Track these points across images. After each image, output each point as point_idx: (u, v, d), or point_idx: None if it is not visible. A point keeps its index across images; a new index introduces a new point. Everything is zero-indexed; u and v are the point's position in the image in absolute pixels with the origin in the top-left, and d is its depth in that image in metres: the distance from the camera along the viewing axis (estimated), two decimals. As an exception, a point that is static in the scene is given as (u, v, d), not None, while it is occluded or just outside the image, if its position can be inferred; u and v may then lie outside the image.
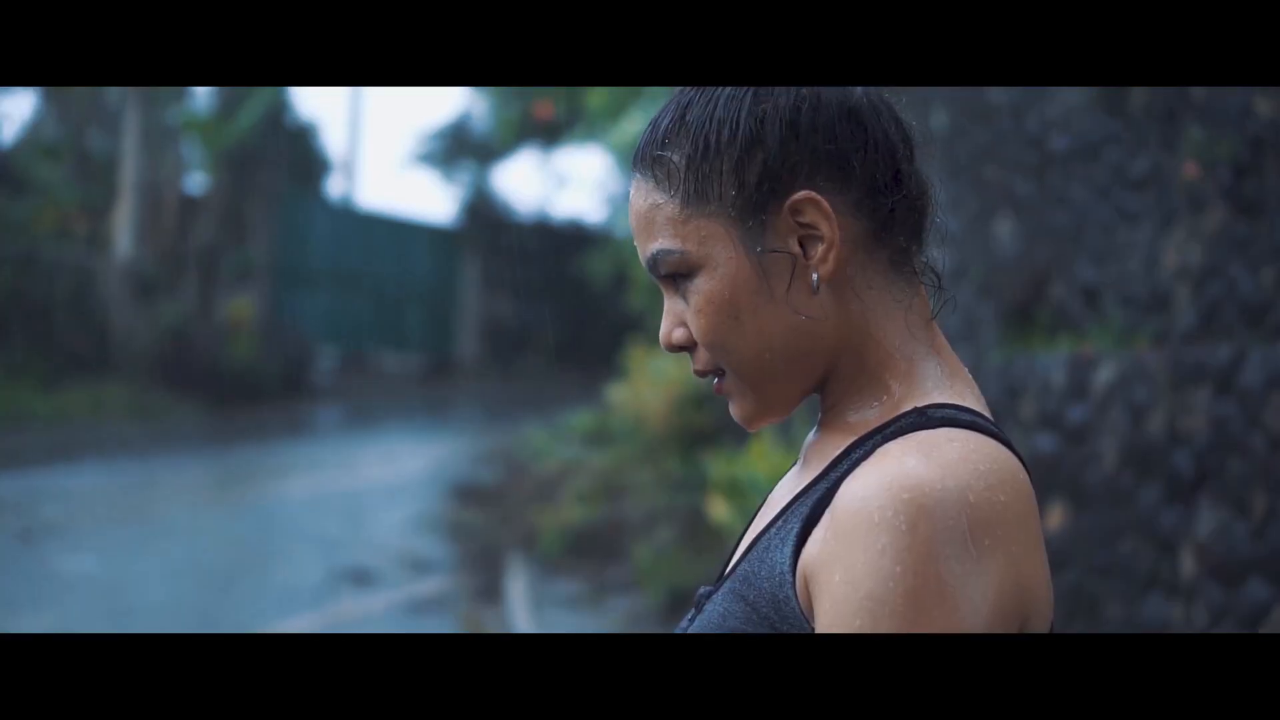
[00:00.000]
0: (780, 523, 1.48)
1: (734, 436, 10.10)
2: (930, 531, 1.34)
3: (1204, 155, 5.08)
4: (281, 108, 22.10)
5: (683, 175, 1.49)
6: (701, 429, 11.23)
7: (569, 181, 34.83)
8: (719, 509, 8.47)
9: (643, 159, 1.53)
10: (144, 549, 9.91)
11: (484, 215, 27.41)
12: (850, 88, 1.50)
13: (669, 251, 1.50)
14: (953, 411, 1.46)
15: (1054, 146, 6.42)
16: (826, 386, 1.54)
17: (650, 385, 11.90)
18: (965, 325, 6.97)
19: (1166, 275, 5.39)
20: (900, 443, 1.42)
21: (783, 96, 1.48)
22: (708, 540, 8.87)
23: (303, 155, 23.89)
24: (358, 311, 24.59)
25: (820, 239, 1.47)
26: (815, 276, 1.48)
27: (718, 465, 8.92)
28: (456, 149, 27.11)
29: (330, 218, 24.62)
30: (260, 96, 20.17)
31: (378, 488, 13.40)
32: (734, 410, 1.56)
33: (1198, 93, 5.19)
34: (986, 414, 1.51)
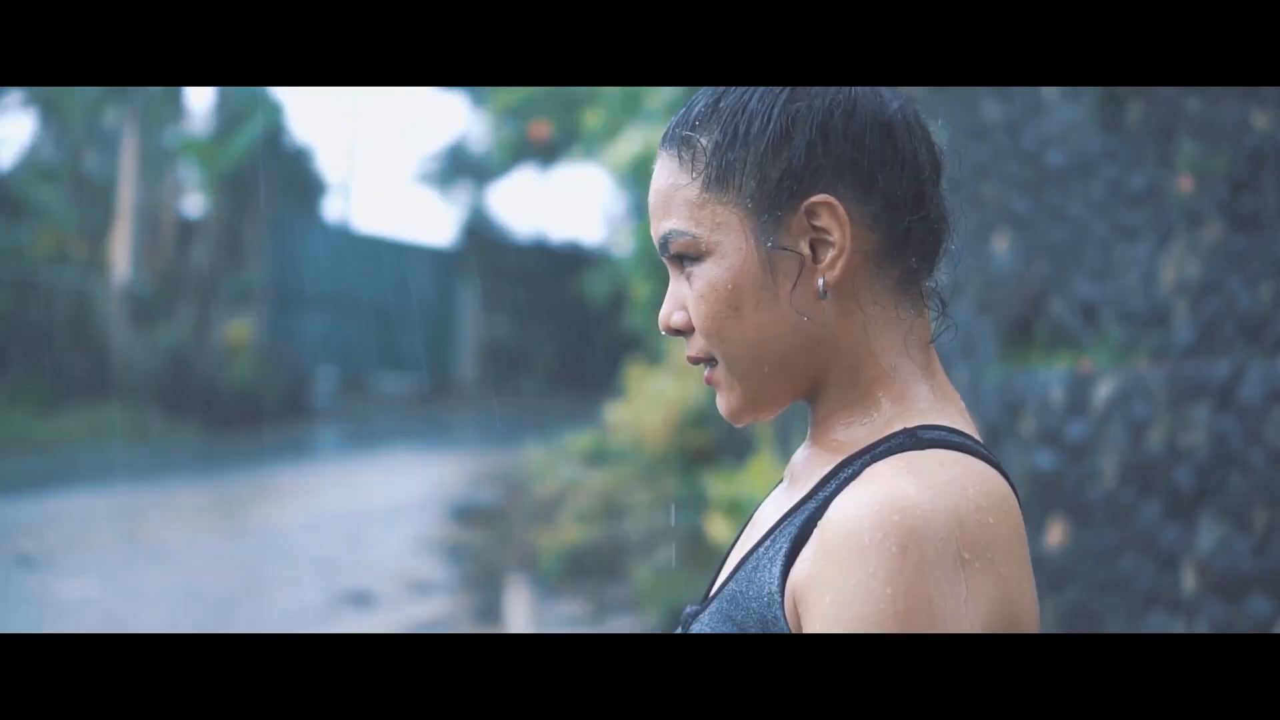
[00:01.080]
0: (768, 542, 1.47)
1: (733, 456, 10.09)
2: (920, 554, 1.33)
3: (1200, 170, 5.08)
4: (279, 130, 22.14)
5: (707, 159, 1.50)
6: (701, 448, 11.21)
7: (566, 201, 34.92)
8: (719, 528, 8.46)
9: (671, 138, 1.53)
10: (143, 572, 9.89)
11: (482, 236, 27.45)
12: (889, 100, 1.50)
13: (681, 233, 1.50)
14: (943, 433, 1.46)
15: (1051, 163, 6.43)
16: (817, 397, 1.53)
17: (649, 405, 11.90)
18: (964, 342, 6.97)
19: (1165, 290, 5.39)
20: (890, 463, 1.41)
21: (819, 98, 1.48)
22: (708, 560, 8.86)
23: (300, 178, 23.92)
24: (356, 333, 24.59)
25: (832, 244, 1.47)
26: (821, 281, 1.47)
27: (717, 485, 8.91)
28: (454, 170, 27.15)
29: (328, 240, 24.64)
30: (257, 119, 20.20)
31: (377, 509, 13.37)
32: (720, 403, 1.55)
33: (1194, 107, 5.19)
34: (976, 437, 1.50)
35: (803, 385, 1.52)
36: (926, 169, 1.51)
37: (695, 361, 1.55)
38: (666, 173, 1.53)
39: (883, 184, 1.48)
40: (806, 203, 1.47)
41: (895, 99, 1.51)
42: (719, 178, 1.49)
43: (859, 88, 1.50)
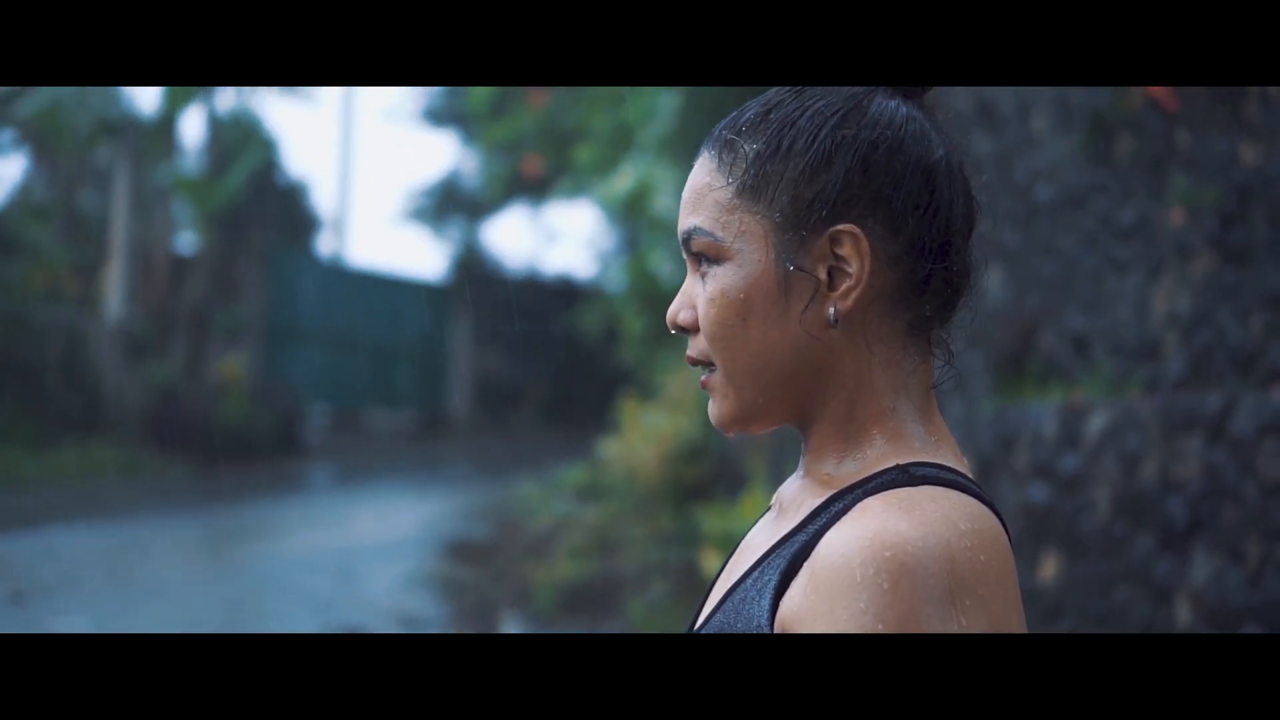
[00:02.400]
0: (756, 573, 1.47)
1: (727, 490, 10.08)
2: (911, 590, 1.33)
3: (1191, 203, 5.10)
4: (271, 167, 22.16)
5: (746, 166, 1.50)
6: (694, 483, 11.20)
7: (559, 237, 34.99)
8: (712, 563, 8.45)
9: (716, 138, 1.54)
10: (136, 609, 9.87)
11: (474, 271, 27.46)
12: (936, 145, 1.50)
13: (705, 232, 1.51)
14: (935, 470, 1.46)
15: (1041, 196, 6.45)
16: (811, 426, 1.53)
17: (642, 439, 11.89)
18: (956, 376, 6.97)
19: (1156, 323, 5.40)
20: (882, 499, 1.41)
21: (867, 129, 1.48)
22: (702, 594, 8.85)
23: (293, 214, 23.94)
24: (349, 369, 24.58)
25: (849, 275, 1.48)
26: (833, 310, 1.48)
27: (711, 519, 8.90)
28: (446, 205, 27.19)
29: (321, 276, 24.64)
30: (250, 155, 20.22)
31: (370, 545, 13.35)
32: (712, 409, 1.55)
33: (1183, 141, 5.21)
34: (970, 477, 1.50)
35: (797, 408, 1.52)
36: (959, 220, 1.52)
37: (694, 363, 1.55)
38: (704, 171, 1.53)
39: (912, 227, 1.48)
40: (832, 229, 1.47)
41: (943, 145, 1.51)
42: (754, 186, 1.49)
43: (910, 127, 1.49)
